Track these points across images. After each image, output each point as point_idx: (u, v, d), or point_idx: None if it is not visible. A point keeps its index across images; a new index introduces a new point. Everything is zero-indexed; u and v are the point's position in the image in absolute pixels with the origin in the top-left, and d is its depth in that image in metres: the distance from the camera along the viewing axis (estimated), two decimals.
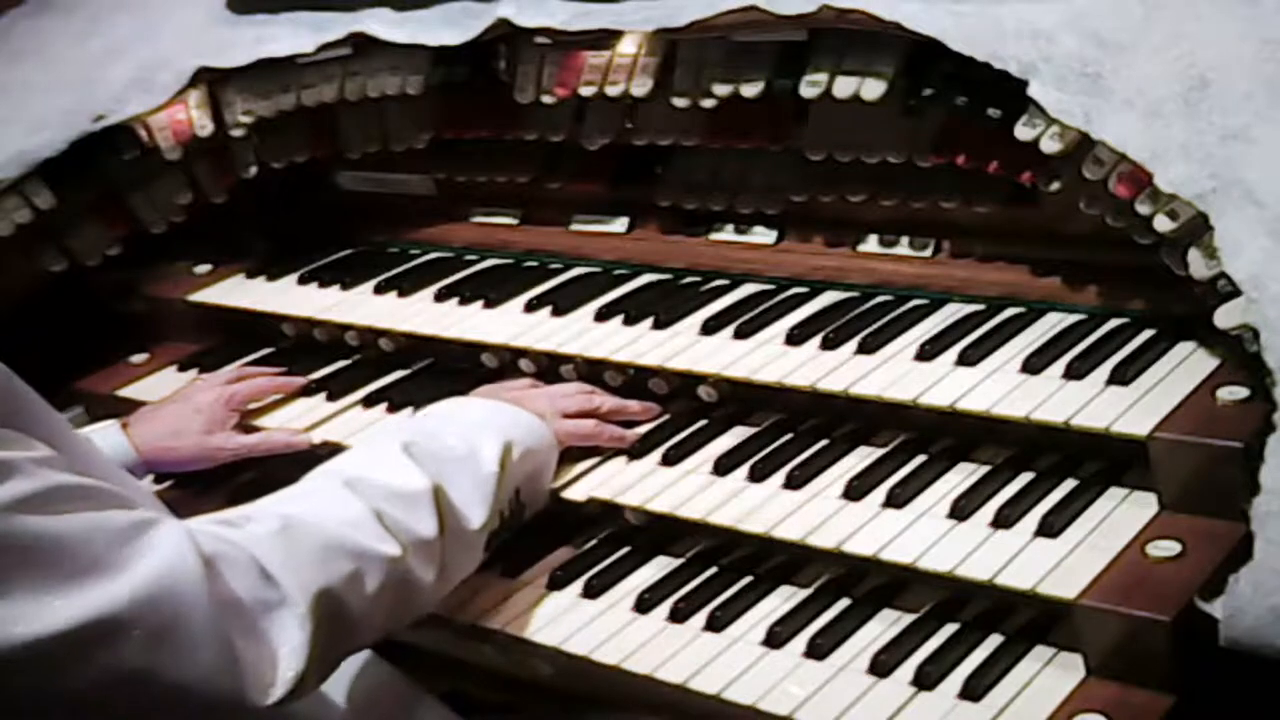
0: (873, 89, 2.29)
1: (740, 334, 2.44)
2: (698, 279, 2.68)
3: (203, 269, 3.18)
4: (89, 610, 1.60)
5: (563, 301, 2.67)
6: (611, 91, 2.55)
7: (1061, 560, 1.93)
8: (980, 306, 2.39)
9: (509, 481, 2.19)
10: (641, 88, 2.53)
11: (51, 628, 1.57)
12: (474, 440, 2.16)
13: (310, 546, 1.86)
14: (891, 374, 2.26)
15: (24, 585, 1.57)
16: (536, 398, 2.39)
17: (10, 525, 1.58)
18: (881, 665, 1.95)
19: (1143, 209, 2.00)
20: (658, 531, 2.29)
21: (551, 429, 2.31)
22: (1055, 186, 2.17)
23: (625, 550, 2.29)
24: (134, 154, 2.95)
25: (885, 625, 2.04)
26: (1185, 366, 2.11)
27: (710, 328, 2.48)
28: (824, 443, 2.29)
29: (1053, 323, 2.30)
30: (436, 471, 2.06)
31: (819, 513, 2.13)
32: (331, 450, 2.54)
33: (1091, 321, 2.27)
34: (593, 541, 2.33)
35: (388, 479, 2.02)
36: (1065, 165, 2.11)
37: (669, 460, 2.33)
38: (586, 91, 2.59)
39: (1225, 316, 1.91)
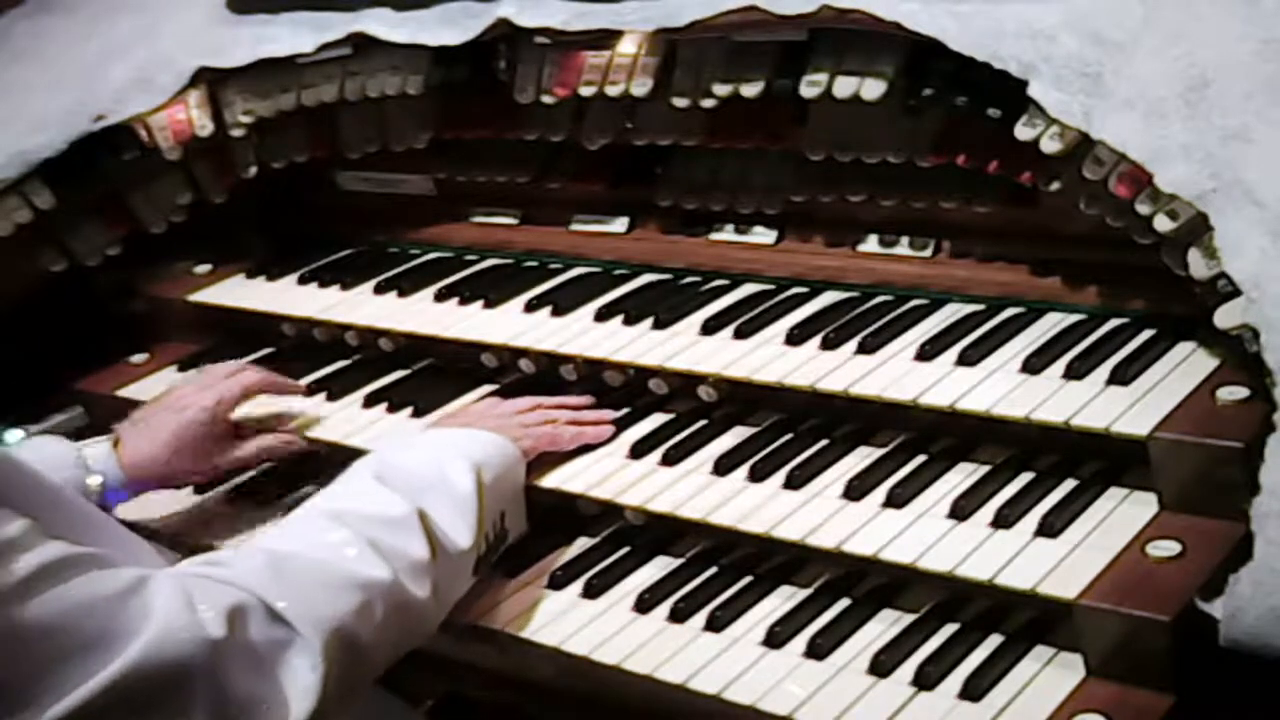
0: (873, 89, 2.29)
1: (740, 334, 2.44)
2: (698, 279, 2.68)
3: (203, 269, 3.18)
4: (96, 686, 1.57)
5: (563, 301, 2.67)
6: (611, 91, 2.55)
7: (1061, 560, 1.93)
8: (980, 306, 2.39)
9: (490, 502, 2.18)
10: (641, 88, 2.53)
11: (63, 710, 1.55)
12: (441, 465, 2.16)
13: (314, 582, 1.86)
14: (891, 374, 2.26)
15: (28, 673, 1.55)
16: (487, 417, 2.37)
17: (6, 618, 1.55)
18: (881, 665, 1.94)
19: (1143, 209, 2.00)
20: (658, 531, 2.29)
21: (512, 440, 2.29)
22: (1055, 186, 2.17)
23: (625, 550, 2.29)
24: (134, 154, 2.95)
25: (885, 625, 2.04)
26: (1185, 366, 2.11)
27: (710, 328, 2.48)
28: (824, 443, 2.29)
29: (1053, 323, 2.30)
30: (413, 497, 2.06)
31: (819, 513, 2.13)
32: (331, 450, 2.54)
33: (1091, 321, 2.27)
34: (593, 541, 2.32)
35: (370, 508, 2.02)
36: (1065, 165, 2.11)
37: (669, 460, 2.33)
38: (586, 91, 2.59)
39: (1225, 316, 1.91)
